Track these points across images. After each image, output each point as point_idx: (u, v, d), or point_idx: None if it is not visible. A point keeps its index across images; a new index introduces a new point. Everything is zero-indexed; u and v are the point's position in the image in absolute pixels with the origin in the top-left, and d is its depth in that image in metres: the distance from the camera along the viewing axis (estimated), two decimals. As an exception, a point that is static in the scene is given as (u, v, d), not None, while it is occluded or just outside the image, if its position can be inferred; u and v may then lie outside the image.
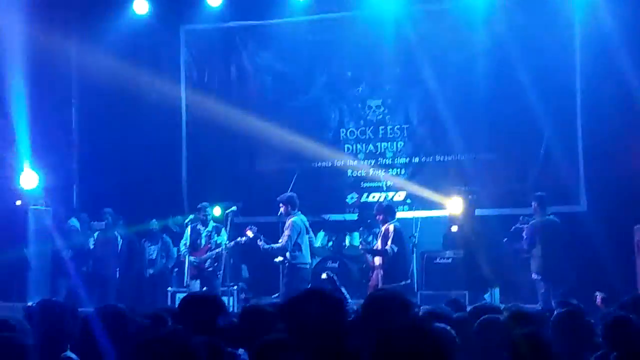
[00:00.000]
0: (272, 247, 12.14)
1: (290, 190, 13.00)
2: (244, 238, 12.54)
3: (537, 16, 14.77)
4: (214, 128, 16.07)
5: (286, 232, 11.99)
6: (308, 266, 12.29)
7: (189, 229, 12.89)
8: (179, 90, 16.48)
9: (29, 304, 8.07)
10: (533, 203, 12.70)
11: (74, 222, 14.54)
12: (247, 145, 15.99)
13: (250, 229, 12.44)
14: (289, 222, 12.08)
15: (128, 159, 15.57)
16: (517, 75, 14.48)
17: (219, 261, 12.72)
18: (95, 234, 14.23)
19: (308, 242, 12.36)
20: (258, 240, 12.25)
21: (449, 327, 4.81)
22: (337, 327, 3.76)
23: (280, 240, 12.05)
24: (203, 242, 12.82)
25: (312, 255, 14.06)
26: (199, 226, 12.91)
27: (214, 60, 16.70)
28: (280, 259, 12.11)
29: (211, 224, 12.90)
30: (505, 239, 13.22)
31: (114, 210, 14.37)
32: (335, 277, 12.24)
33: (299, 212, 12.34)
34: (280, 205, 12.33)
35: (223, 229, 12.79)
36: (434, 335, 2.90)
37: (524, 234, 12.73)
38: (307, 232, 12.45)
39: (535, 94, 14.36)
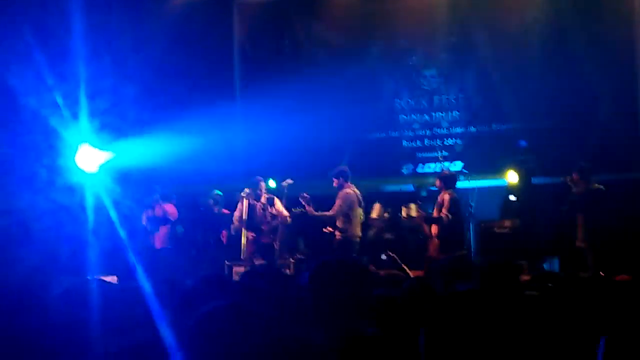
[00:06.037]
0: (323, 214, 12.18)
1: (345, 163, 12.97)
2: (298, 209, 12.54)
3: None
4: (267, 100, 16.11)
5: (337, 202, 12.01)
6: (358, 239, 12.24)
7: (244, 203, 12.84)
8: (232, 62, 16.53)
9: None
10: (574, 174, 12.46)
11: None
12: (300, 117, 15.96)
13: (303, 198, 12.41)
14: (341, 193, 12.07)
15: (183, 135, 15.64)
16: (574, 42, 14.25)
17: (274, 233, 12.69)
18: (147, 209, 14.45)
19: (359, 215, 12.32)
20: (307, 206, 12.23)
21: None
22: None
23: (331, 210, 12.08)
24: (259, 215, 12.76)
25: (368, 227, 14.05)
26: (252, 201, 12.84)
27: (267, 33, 16.69)
28: (329, 229, 12.11)
29: (264, 197, 12.83)
30: (564, 207, 13.03)
31: (167, 185, 14.50)
32: (395, 256, 12.16)
33: (352, 185, 12.29)
34: (333, 179, 12.30)
35: (276, 199, 12.75)
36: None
37: None
38: (360, 205, 12.39)
39: (592, 60, 14.12)
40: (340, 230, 11.96)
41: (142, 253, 14.36)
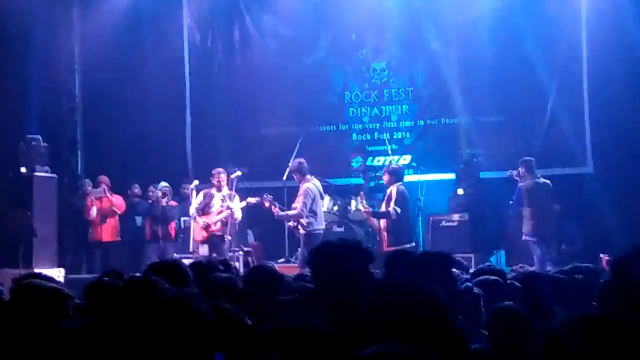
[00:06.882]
0: (287, 214, 12.03)
1: (295, 156, 12.88)
2: (254, 199, 12.44)
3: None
4: (218, 92, 16.05)
5: (300, 199, 11.80)
6: (321, 231, 12.10)
7: (201, 193, 12.70)
8: (182, 54, 16.39)
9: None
10: (520, 169, 12.61)
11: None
12: (251, 110, 15.93)
13: (267, 198, 12.29)
14: (302, 188, 11.90)
15: (132, 125, 15.53)
16: (523, 37, 14.40)
17: (227, 225, 12.52)
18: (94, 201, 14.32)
19: (322, 208, 12.24)
20: (273, 207, 12.13)
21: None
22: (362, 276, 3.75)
23: (294, 206, 11.93)
24: (216, 206, 12.60)
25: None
26: (213, 190, 12.71)
27: (217, 24, 16.56)
28: (293, 224, 12.00)
29: (225, 189, 12.68)
30: (511, 202, 13.17)
31: (118, 177, 14.39)
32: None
33: (312, 177, 12.15)
34: (293, 175, 12.18)
35: (237, 196, 12.63)
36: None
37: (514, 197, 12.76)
38: (322, 198, 12.32)
39: (541, 55, 14.27)
40: (304, 226, 11.77)
41: (89, 246, 14.28)
